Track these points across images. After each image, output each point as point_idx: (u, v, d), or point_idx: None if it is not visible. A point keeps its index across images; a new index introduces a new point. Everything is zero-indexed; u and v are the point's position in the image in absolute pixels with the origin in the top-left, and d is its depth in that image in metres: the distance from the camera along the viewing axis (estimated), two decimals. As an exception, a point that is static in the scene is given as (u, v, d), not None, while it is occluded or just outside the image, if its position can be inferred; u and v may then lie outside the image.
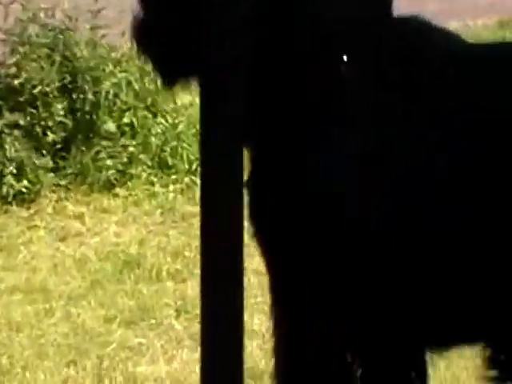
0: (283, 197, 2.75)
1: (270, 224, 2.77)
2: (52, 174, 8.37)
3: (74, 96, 8.56)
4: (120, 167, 8.64)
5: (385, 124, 2.68)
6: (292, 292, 2.79)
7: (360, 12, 2.77)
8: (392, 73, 2.72)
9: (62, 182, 8.36)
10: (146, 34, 2.96)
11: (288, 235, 2.74)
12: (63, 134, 8.63)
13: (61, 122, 8.54)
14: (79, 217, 7.90)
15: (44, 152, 8.49)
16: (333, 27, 2.72)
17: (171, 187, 8.23)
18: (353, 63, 2.63)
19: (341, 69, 2.64)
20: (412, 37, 2.78)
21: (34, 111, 8.48)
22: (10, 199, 8.15)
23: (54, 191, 8.28)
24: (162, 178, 8.65)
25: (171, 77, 2.93)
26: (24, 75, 8.73)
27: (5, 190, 8.09)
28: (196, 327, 5.95)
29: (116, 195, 8.51)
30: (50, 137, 8.47)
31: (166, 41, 2.89)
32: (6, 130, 8.22)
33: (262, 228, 2.78)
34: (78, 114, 8.60)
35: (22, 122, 8.43)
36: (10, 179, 8.12)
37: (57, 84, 8.71)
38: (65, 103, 8.55)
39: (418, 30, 2.83)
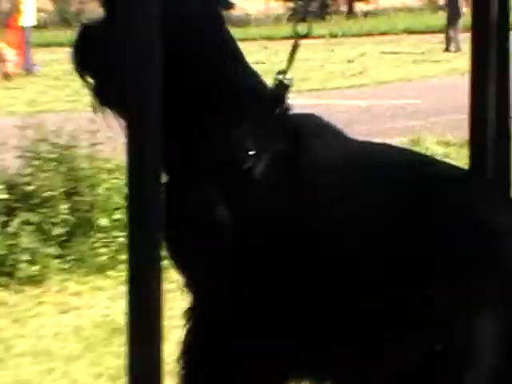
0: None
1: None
2: (57, 260, 8.59)
3: (76, 199, 8.76)
4: (111, 254, 8.73)
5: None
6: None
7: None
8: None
9: (66, 267, 8.57)
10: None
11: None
12: (67, 229, 8.79)
13: (64, 219, 8.76)
14: (78, 294, 8.02)
15: (51, 243, 8.65)
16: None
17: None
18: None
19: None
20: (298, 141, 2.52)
21: (43, 211, 8.71)
22: (23, 281, 8.27)
23: (58, 274, 8.49)
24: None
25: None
26: (36, 183, 8.81)
27: (20, 273, 8.24)
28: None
29: (108, 276, 8.53)
30: (56, 231, 8.68)
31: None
32: (22, 227, 8.40)
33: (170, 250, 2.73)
34: (79, 213, 8.78)
35: (33, 220, 8.58)
36: (24, 265, 8.28)
37: (62, 189, 8.86)
38: (68, 204, 8.82)
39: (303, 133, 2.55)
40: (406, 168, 2.46)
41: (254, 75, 2.59)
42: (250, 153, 2.39)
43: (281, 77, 2.51)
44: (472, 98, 2.55)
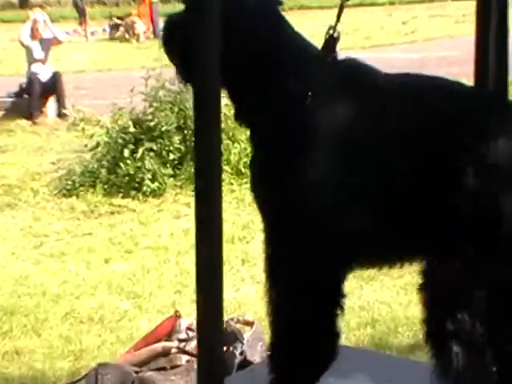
0: (269, 180, 2.38)
1: (260, 195, 2.46)
2: (172, 179, 8.74)
3: (185, 132, 8.76)
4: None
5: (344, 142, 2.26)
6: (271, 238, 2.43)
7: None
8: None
9: (178, 184, 8.73)
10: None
11: (269, 204, 2.40)
12: (179, 155, 8.88)
13: (177, 148, 8.81)
14: (188, 204, 8.09)
15: (167, 165, 8.79)
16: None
17: (243, 186, 8.16)
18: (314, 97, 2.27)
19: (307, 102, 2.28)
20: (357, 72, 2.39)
21: (161, 141, 8.80)
22: (147, 194, 8.49)
23: (173, 189, 8.66)
24: (237, 180, 8.71)
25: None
26: (156, 120, 8.90)
27: (144, 188, 8.46)
28: (253, 271, 6.21)
29: None
30: (171, 156, 8.79)
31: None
32: (145, 153, 8.58)
33: (257, 197, 2.46)
34: (188, 143, 8.75)
35: (154, 148, 8.71)
36: (148, 182, 8.49)
37: (175, 125, 8.93)
38: (180, 136, 8.85)
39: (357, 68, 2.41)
40: (437, 89, 2.33)
41: (304, 39, 2.43)
42: (309, 93, 2.25)
43: (331, 31, 2.36)
44: (476, 44, 2.49)
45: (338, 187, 2.21)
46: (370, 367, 2.80)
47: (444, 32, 21.91)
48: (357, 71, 2.36)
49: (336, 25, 2.38)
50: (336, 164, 2.21)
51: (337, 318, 2.39)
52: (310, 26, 15.05)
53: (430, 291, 2.19)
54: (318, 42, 2.41)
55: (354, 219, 2.24)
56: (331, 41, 2.36)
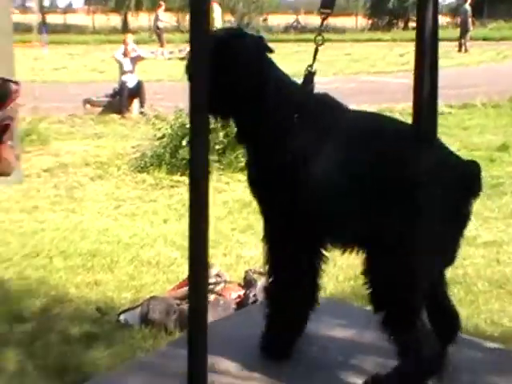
0: (261, 177, 2.34)
1: (254, 188, 2.39)
2: (217, 164, 8.54)
3: (227, 129, 8.34)
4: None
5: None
6: (267, 222, 2.39)
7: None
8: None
9: (221, 167, 8.58)
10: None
11: (262, 193, 2.36)
12: (222, 146, 8.67)
13: (221, 141, 8.61)
14: (228, 183, 8.13)
15: (214, 153, 8.46)
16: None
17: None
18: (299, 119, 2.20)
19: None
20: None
21: (210, 135, 8.41)
22: None
23: (217, 171, 8.45)
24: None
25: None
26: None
27: None
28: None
29: (245, 175, 8.43)
30: (216, 147, 8.54)
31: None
32: None
33: (252, 189, 2.40)
34: (229, 137, 8.50)
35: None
36: None
37: (220, 124, 8.10)
38: (223, 132, 8.55)
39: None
40: (380, 128, 2.29)
41: (287, 76, 2.37)
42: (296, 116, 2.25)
43: (309, 68, 2.34)
44: (415, 86, 2.39)
45: (311, 186, 2.21)
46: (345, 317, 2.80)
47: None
48: (326, 104, 2.32)
49: (313, 63, 2.35)
50: (310, 169, 2.20)
51: (316, 274, 2.41)
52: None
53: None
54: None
55: (320, 210, 2.23)
56: (309, 76, 2.33)
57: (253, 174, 2.41)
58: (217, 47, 2.18)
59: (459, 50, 26.21)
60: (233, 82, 2.27)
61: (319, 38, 2.35)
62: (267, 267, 2.44)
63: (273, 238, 2.38)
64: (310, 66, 2.34)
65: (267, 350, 2.42)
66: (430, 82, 2.36)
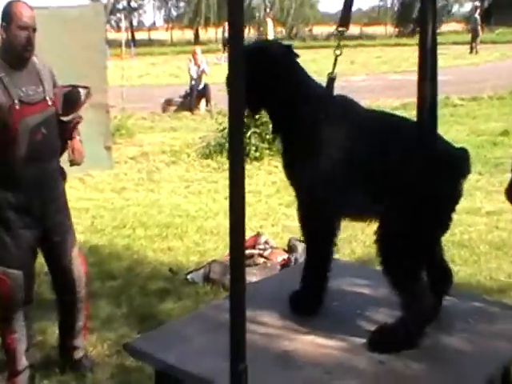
0: (292, 162, 2.31)
1: (287, 171, 2.36)
2: (267, 151, 8.49)
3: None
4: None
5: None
6: (298, 198, 2.35)
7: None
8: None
9: (271, 153, 8.44)
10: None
11: (293, 175, 2.34)
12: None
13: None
14: (276, 166, 7.86)
15: (265, 142, 8.46)
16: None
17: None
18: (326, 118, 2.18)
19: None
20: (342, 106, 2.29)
21: (262, 127, 8.43)
22: (252, 159, 8.25)
23: (268, 157, 8.42)
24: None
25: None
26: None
27: (251, 155, 8.19)
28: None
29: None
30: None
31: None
32: (252, 134, 8.32)
33: (286, 172, 2.37)
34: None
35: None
36: (253, 152, 8.29)
37: None
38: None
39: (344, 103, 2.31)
40: (389, 123, 2.28)
41: (313, 80, 2.35)
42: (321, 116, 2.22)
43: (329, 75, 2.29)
44: (419, 85, 2.29)
45: (333, 173, 2.21)
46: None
47: (446, 63, 21.31)
48: (345, 105, 2.31)
49: (333, 71, 2.30)
50: (331, 159, 2.20)
51: (335, 238, 2.38)
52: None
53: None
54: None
55: (340, 191, 2.23)
56: (330, 81, 2.30)
57: (286, 160, 2.39)
58: (253, 53, 2.19)
59: (470, 52, 25.68)
60: (266, 82, 2.25)
61: (337, 52, 2.29)
62: (303, 235, 2.42)
63: (301, 211, 2.37)
64: (331, 73, 2.30)
65: (299, 307, 2.41)
66: (430, 81, 2.30)
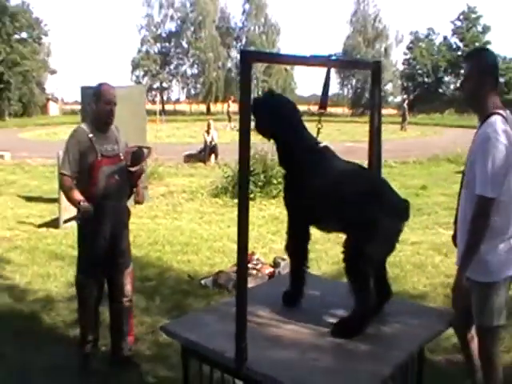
0: (289, 192, 2.27)
1: (286, 199, 2.28)
2: (259, 193, 8.21)
3: (266, 172, 8.10)
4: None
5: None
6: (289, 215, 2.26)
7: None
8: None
9: (263, 195, 8.26)
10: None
11: (289, 201, 2.26)
12: (263, 181, 8.26)
13: (263, 180, 8.21)
14: (266, 206, 7.85)
15: (257, 187, 8.08)
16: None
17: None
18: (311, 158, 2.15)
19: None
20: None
21: (256, 176, 8.09)
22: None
23: (259, 198, 8.20)
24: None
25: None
26: (253, 166, 7.95)
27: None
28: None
29: (274, 198, 8.15)
30: (259, 183, 8.20)
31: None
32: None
33: (284, 196, 2.29)
34: (267, 177, 8.14)
35: (252, 179, 7.79)
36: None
37: (261, 169, 8.29)
38: (263, 175, 8.11)
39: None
40: (357, 172, 2.21)
41: (308, 132, 2.27)
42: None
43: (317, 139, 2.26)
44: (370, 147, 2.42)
45: (314, 195, 2.15)
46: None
47: (384, 137, 21.42)
48: (327, 153, 2.26)
49: (317, 137, 2.28)
50: (316, 189, 2.16)
51: (306, 243, 2.31)
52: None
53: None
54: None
55: (316, 209, 2.19)
56: (316, 136, 2.29)
57: (286, 187, 2.35)
58: (264, 101, 2.21)
59: (401, 129, 25.84)
60: (272, 124, 2.21)
61: (319, 125, 2.31)
62: (288, 246, 2.34)
63: (291, 224, 2.30)
64: (315, 138, 2.30)
65: (286, 301, 2.38)
66: (377, 146, 2.41)
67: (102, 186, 2.93)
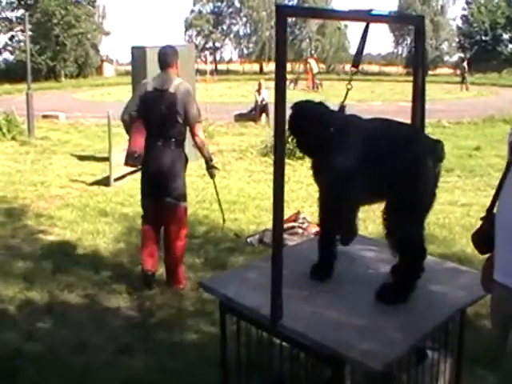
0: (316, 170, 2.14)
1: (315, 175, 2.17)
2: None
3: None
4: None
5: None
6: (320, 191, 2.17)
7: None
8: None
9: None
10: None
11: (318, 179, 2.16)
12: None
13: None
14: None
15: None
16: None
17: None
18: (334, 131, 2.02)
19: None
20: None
21: None
22: (297, 158, 7.73)
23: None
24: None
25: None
26: None
27: (296, 155, 7.66)
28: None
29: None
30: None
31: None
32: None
33: (314, 178, 2.18)
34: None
35: None
36: (298, 154, 7.45)
37: None
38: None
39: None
40: (388, 129, 2.07)
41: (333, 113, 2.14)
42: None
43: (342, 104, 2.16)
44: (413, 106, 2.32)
45: (347, 174, 2.04)
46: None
47: (439, 97, 20.42)
48: (352, 120, 2.13)
49: (343, 101, 2.17)
50: (345, 163, 2.04)
51: (355, 219, 2.25)
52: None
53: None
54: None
55: (355, 185, 2.06)
56: (342, 107, 2.18)
57: (313, 167, 2.23)
58: (298, 111, 2.13)
59: (461, 90, 24.90)
60: (306, 130, 2.13)
61: (349, 86, 2.14)
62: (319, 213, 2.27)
63: (324, 200, 2.22)
64: (342, 102, 2.17)
65: (316, 274, 2.25)
66: (421, 105, 2.31)
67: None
